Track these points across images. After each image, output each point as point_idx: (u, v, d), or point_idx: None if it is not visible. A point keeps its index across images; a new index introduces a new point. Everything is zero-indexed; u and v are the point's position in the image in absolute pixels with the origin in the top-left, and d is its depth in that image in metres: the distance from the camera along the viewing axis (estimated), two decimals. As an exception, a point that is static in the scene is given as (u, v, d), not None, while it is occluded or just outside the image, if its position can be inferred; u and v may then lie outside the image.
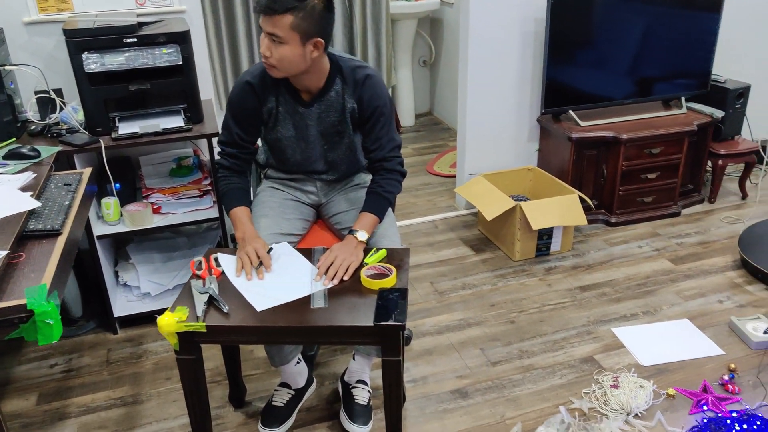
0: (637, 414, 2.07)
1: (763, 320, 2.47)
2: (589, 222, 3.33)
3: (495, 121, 3.39)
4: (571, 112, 3.27)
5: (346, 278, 1.77)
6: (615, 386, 2.18)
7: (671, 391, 2.16)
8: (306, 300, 1.69)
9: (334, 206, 2.16)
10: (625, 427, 2.02)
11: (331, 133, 2.02)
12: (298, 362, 2.09)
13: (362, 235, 1.88)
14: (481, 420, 2.08)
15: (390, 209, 2.12)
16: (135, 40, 2.31)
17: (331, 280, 1.75)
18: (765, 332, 2.39)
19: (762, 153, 3.90)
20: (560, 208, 2.95)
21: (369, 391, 2.09)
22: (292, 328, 1.61)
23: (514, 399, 2.17)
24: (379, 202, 1.97)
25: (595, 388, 2.19)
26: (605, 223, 3.37)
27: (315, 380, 2.24)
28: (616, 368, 2.30)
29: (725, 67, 3.62)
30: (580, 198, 3.00)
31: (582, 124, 3.23)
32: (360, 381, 2.10)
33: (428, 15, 4.82)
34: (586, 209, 3.18)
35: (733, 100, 3.40)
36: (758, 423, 1.94)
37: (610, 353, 2.39)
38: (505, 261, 3.05)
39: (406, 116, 4.94)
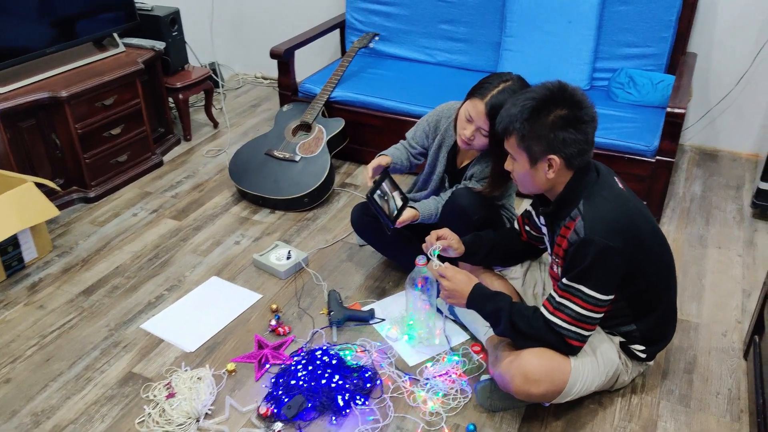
0: (207, 413, 1.81)
1: (282, 246, 2.50)
2: (63, 207, 2.80)
3: None
4: (-20, 77, 2.54)
5: None
6: (171, 395, 1.86)
7: (231, 366, 1.97)
8: None
9: None
10: (200, 437, 1.74)
11: None
12: None
13: None
14: None
15: None
16: None
17: None
18: (288, 258, 2.42)
19: (214, 76, 3.97)
20: (15, 207, 2.31)
21: None
22: None
23: (53, 486, 1.62)
24: None
25: (150, 410, 1.82)
26: (84, 201, 2.88)
27: None
28: (164, 372, 1.97)
29: (147, -7, 3.42)
30: (38, 185, 2.42)
31: (0, 90, 2.55)
32: None
33: None
34: (52, 194, 2.62)
35: (167, 27, 3.25)
36: (318, 355, 1.93)
37: (151, 357, 2.04)
38: (-32, 301, 2.28)
39: None
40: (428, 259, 1.85)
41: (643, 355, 1.74)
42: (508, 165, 1.67)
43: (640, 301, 1.67)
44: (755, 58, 2.99)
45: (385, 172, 2.10)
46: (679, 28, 2.94)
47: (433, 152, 2.20)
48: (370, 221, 2.24)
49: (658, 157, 2.51)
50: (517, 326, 1.60)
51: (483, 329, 1.94)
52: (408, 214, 2.05)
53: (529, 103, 1.53)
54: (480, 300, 1.69)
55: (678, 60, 2.97)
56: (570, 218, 1.57)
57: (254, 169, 2.86)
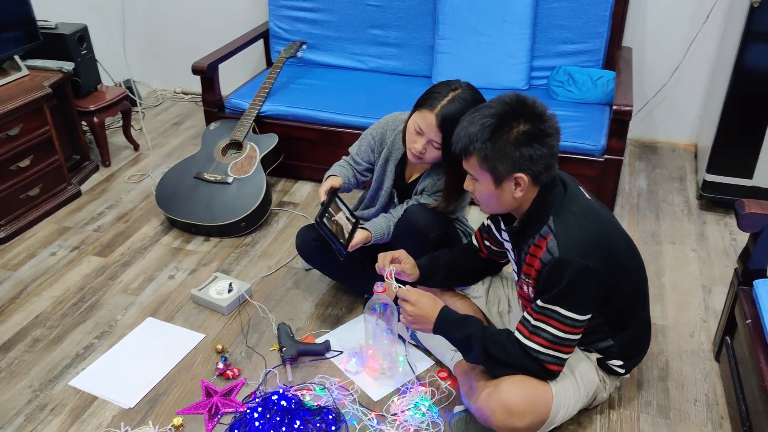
0: (154, 478, 1.65)
1: (222, 277, 2.35)
2: (-30, 254, 2.54)
3: None
4: None
5: None
6: (111, 461, 1.69)
7: (177, 421, 1.80)
8: None
9: None
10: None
11: None
12: None
13: None
14: None
15: None
16: None
17: None
18: (229, 290, 2.26)
19: (131, 94, 3.74)
20: None
21: None
22: None
23: None
24: None
25: (89, 482, 1.65)
26: (-6, 243, 2.63)
27: None
28: (100, 435, 1.79)
29: (49, 10, 3.16)
30: (-62, 231, 2.17)
31: None
32: None
33: None
34: (-44, 241, 2.37)
35: (75, 46, 3.02)
36: (275, 399, 1.80)
37: (84, 418, 1.84)
38: None
39: None
40: (384, 281, 1.75)
41: (622, 370, 1.70)
42: (468, 186, 1.58)
43: (617, 316, 1.62)
44: (687, 49, 3.05)
45: (333, 193, 1.98)
46: (613, 23, 2.96)
47: (379, 167, 2.10)
48: (316, 245, 2.12)
49: (606, 156, 2.51)
50: (491, 353, 1.52)
51: (449, 354, 1.85)
52: (360, 236, 1.94)
53: (488, 120, 1.44)
54: (448, 325, 1.60)
55: (614, 55, 3.00)
56: (540, 236, 1.50)
57: (183, 194, 2.69)
